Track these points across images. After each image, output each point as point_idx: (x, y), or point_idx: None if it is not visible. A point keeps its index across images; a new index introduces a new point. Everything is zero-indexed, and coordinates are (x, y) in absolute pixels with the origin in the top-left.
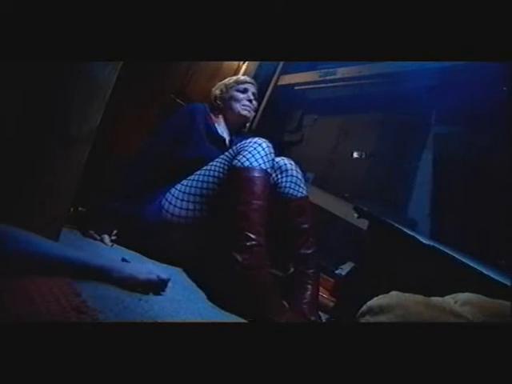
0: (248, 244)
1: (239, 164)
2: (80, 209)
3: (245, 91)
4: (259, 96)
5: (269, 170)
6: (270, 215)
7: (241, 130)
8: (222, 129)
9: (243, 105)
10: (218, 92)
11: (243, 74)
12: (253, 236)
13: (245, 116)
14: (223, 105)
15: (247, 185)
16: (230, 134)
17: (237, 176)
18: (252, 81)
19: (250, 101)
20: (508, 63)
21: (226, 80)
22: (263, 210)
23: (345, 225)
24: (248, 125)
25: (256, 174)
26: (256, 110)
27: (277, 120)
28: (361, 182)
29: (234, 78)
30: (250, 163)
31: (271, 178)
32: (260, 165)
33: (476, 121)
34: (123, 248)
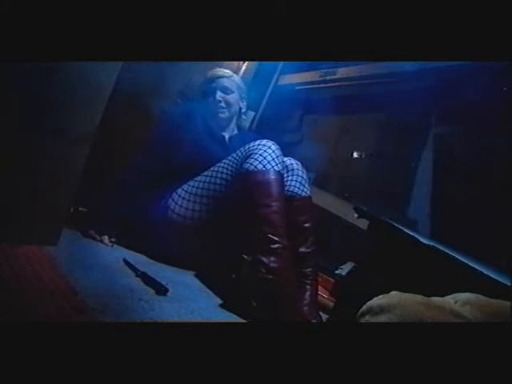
0: (273, 247)
1: (252, 167)
2: (80, 209)
3: (212, 92)
4: (259, 96)
5: (281, 172)
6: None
7: (240, 127)
8: (219, 126)
9: (212, 110)
10: (196, 99)
11: (243, 74)
12: (276, 238)
13: (220, 118)
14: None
15: (264, 187)
16: (229, 131)
17: (252, 179)
18: (218, 74)
19: (218, 102)
20: (508, 63)
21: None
22: (282, 211)
23: (345, 225)
24: (249, 122)
25: (272, 176)
26: (238, 105)
27: (277, 120)
28: (361, 182)
29: (201, 80)
30: (264, 166)
31: None
32: (273, 167)
33: (476, 121)
34: (123, 248)
